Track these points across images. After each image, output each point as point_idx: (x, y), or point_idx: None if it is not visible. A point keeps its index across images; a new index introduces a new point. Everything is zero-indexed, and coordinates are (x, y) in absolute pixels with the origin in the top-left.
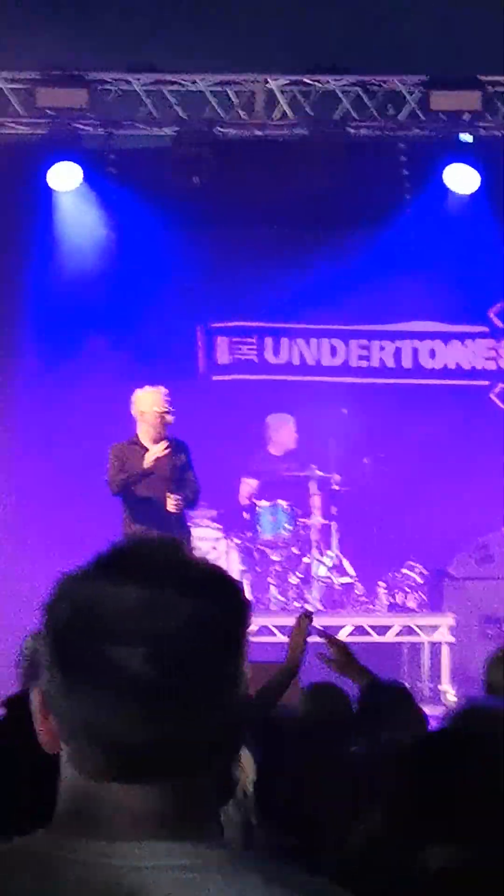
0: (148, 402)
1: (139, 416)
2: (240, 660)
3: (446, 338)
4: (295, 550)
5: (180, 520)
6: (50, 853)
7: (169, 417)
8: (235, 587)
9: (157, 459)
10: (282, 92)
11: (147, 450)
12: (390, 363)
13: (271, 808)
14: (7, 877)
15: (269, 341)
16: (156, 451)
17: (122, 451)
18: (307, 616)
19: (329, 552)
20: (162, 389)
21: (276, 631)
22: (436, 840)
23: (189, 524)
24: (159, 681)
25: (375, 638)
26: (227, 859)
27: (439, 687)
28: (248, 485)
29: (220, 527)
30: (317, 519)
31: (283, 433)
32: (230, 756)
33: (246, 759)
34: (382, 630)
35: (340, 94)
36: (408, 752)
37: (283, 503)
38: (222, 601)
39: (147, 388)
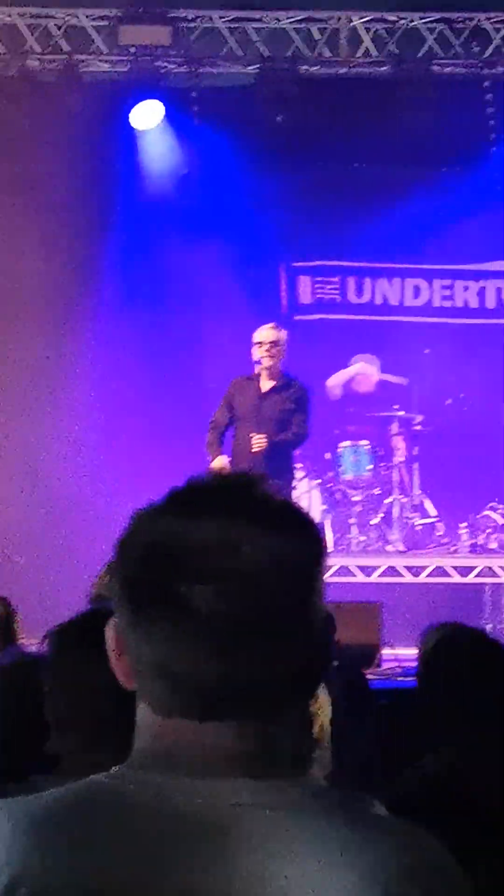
0: (256, 338)
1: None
2: (315, 597)
3: None
4: (376, 491)
5: (283, 461)
6: (127, 789)
7: (268, 362)
8: (311, 524)
9: (262, 401)
10: (365, 29)
11: (260, 388)
12: (474, 303)
13: (346, 747)
14: (85, 812)
15: (351, 281)
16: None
17: (234, 387)
18: None
19: (411, 493)
20: (273, 333)
21: (356, 571)
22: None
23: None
24: (231, 618)
25: (457, 579)
26: (310, 797)
27: None
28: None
29: (302, 466)
30: (399, 459)
31: (367, 373)
32: (307, 694)
33: (323, 697)
34: (464, 571)
35: (425, 32)
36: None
37: (364, 443)
38: (297, 538)
39: (263, 327)
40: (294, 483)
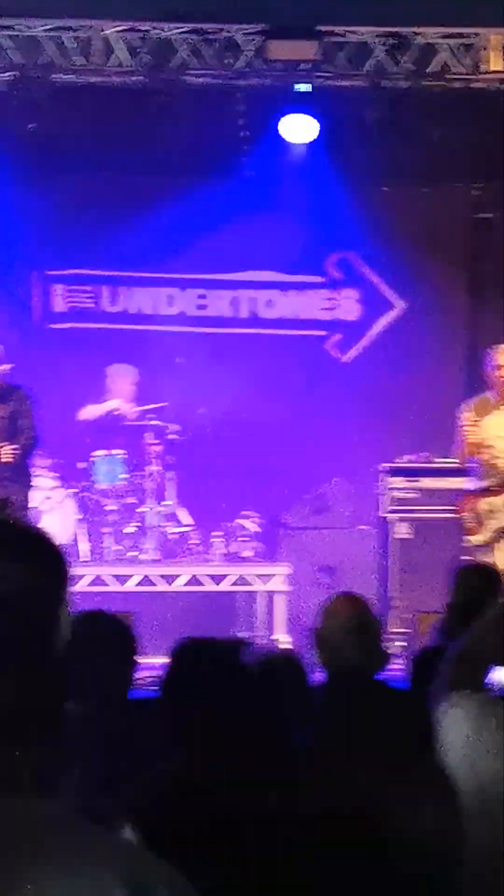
0: None
1: None
2: (59, 620)
3: (284, 288)
4: (131, 500)
5: (18, 470)
6: None
7: None
8: (52, 548)
9: None
10: (119, 39)
11: None
12: (227, 313)
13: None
14: None
15: (105, 290)
16: None
17: None
18: None
19: (165, 502)
20: None
21: (110, 581)
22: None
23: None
24: None
25: (210, 587)
26: (56, 819)
27: (273, 636)
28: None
29: (57, 475)
30: (153, 468)
31: (121, 383)
32: (55, 714)
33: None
34: (218, 579)
35: (177, 42)
36: None
37: (118, 452)
38: (38, 564)
39: None
40: (32, 492)
